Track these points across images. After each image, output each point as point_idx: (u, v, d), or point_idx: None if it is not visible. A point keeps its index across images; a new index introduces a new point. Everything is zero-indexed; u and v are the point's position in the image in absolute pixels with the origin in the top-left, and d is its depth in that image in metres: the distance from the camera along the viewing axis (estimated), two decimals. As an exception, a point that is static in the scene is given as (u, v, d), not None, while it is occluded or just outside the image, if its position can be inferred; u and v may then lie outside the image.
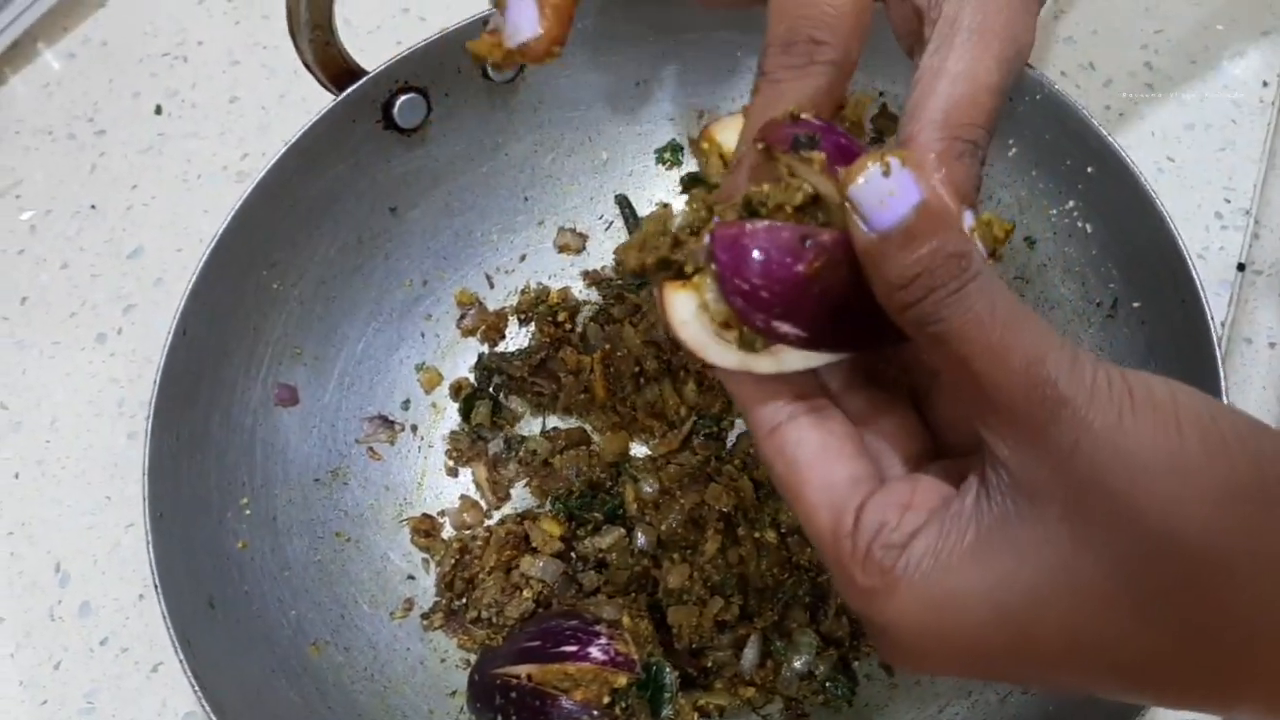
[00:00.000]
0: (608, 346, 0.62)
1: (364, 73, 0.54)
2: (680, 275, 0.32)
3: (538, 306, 0.65)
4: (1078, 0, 0.73)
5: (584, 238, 0.66)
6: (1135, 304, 0.53)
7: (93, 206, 0.72)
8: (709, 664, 0.55)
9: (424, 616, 0.58)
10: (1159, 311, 0.52)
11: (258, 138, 0.74)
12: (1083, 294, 0.55)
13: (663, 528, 0.57)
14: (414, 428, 0.63)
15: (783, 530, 0.56)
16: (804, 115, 0.32)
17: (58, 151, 0.75)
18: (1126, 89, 0.70)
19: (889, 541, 0.29)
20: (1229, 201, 0.66)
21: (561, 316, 0.64)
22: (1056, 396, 0.27)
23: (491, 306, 0.65)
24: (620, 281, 0.65)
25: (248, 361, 0.57)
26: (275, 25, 0.72)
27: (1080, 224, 0.55)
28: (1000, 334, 0.27)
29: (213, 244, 0.52)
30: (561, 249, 0.66)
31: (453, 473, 0.63)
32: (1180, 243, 0.49)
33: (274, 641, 0.53)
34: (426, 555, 0.60)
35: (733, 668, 0.55)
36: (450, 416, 0.64)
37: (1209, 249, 0.64)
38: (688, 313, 0.31)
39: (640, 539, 0.57)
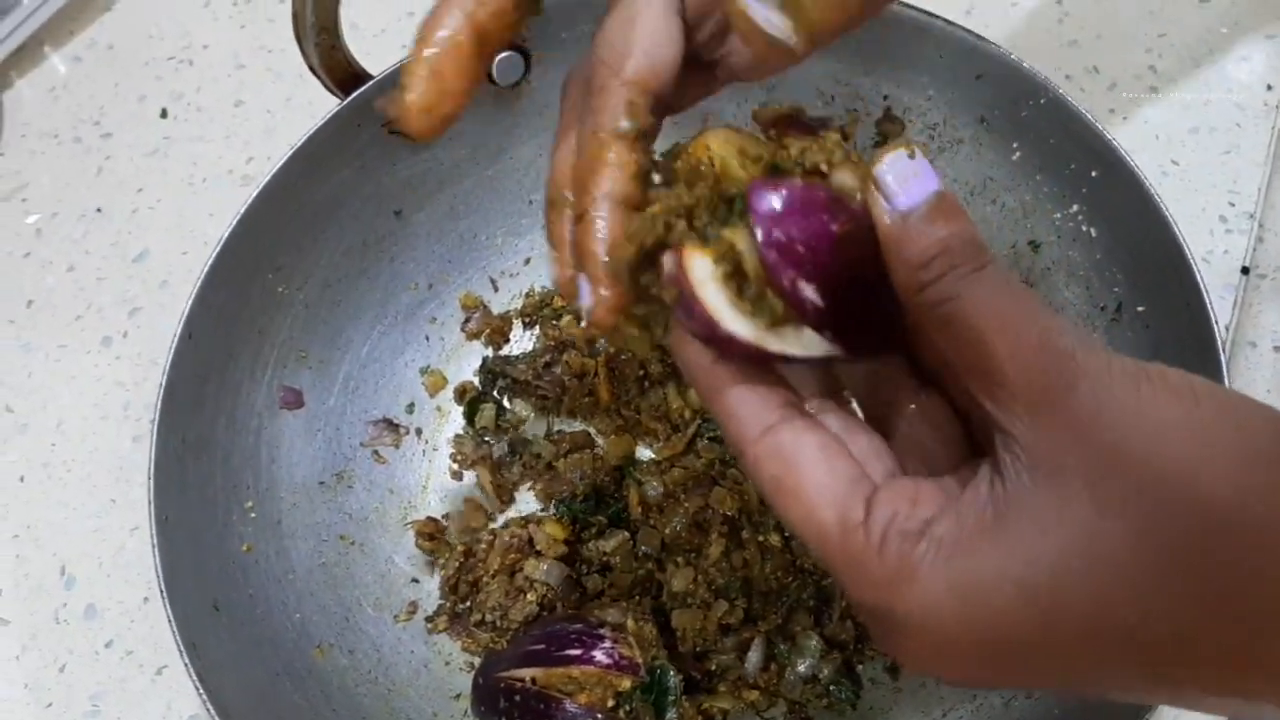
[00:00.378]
0: (612, 350, 0.62)
1: (369, 77, 0.55)
2: (702, 239, 0.32)
3: (542, 310, 0.65)
4: (1082, 4, 0.73)
5: (588, 241, 0.66)
6: (1140, 308, 0.53)
7: (98, 210, 0.72)
8: (713, 667, 0.56)
9: (428, 620, 0.58)
10: (1163, 315, 0.52)
11: (263, 141, 0.74)
12: (1087, 298, 0.55)
13: (667, 531, 0.57)
14: (419, 431, 0.63)
15: (787, 534, 0.56)
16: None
17: (64, 155, 0.75)
18: (1130, 92, 0.70)
19: (905, 529, 0.29)
20: (1233, 205, 0.66)
21: (565, 320, 0.64)
22: (1075, 368, 0.27)
23: (496, 310, 0.65)
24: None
25: (253, 365, 0.57)
26: (281, 29, 0.72)
27: (1085, 228, 0.55)
28: (1015, 310, 0.28)
29: (218, 247, 0.53)
30: (566, 252, 0.66)
31: (457, 476, 0.63)
32: (1184, 246, 0.49)
33: (278, 644, 0.53)
34: (431, 558, 0.60)
35: (737, 671, 0.55)
36: (455, 420, 0.64)
37: (1213, 252, 0.64)
38: (705, 273, 0.31)
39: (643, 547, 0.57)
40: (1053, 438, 0.27)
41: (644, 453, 0.62)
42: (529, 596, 0.57)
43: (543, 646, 0.52)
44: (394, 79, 0.55)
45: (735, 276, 0.31)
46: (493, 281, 0.66)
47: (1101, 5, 0.73)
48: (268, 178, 0.53)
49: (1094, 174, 0.53)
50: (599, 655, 0.51)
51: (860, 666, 0.56)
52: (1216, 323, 0.48)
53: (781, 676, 0.55)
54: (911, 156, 0.29)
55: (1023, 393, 0.28)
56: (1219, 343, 0.47)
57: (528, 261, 0.66)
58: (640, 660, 0.51)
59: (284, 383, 0.58)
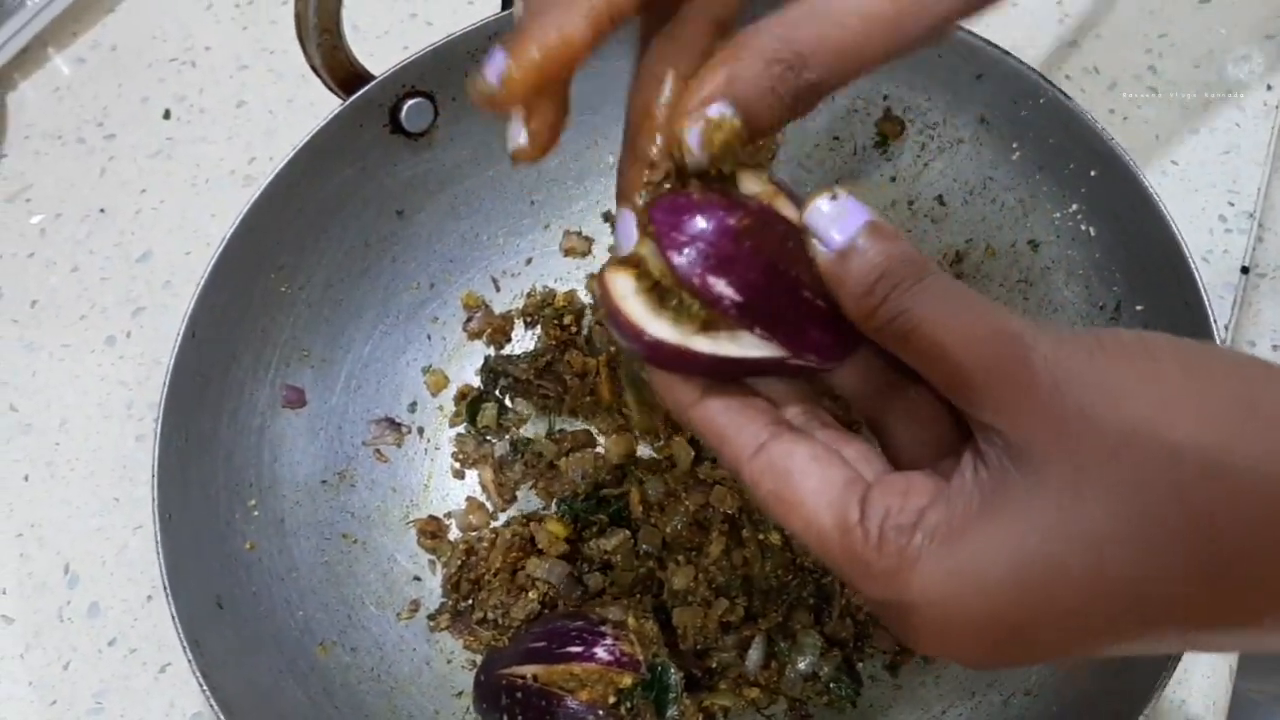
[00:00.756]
0: (613, 349, 0.62)
1: (371, 77, 0.55)
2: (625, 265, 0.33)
3: (544, 309, 0.65)
4: (1082, 4, 0.73)
5: (590, 241, 0.67)
6: (1139, 307, 0.53)
7: (102, 210, 0.73)
8: (714, 665, 0.56)
9: (430, 618, 0.59)
10: (1162, 314, 0.52)
11: (265, 142, 0.74)
12: (1086, 297, 0.55)
13: (667, 530, 0.57)
14: (420, 430, 0.63)
15: (786, 532, 0.57)
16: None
17: (67, 156, 0.75)
18: (1130, 92, 0.70)
19: (900, 523, 0.30)
20: (1233, 205, 0.66)
21: (567, 319, 0.64)
22: (1027, 351, 0.28)
23: (498, 309, 0.66)
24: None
25: (255, 364, 0.57)
26: (283, 30, 0.72)
27: (1084, 227, 0.55)
28: (962, 311, 0.29)
29: (221, 247, 0.53)
30: (567, 252, 0.66)
31: (459, 475, 0.63)
32: (1183, 245, 0.49)
33: (281, 642, 0.53)
34: (433, 557, 0.60)
35: (737, 669, 0.55)
36: (457, 419, 0.64)
37: (1213, 252, 0.65)
38: (626, 288, 0.32)
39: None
40: (1020, 421, 0.28)
41: (645, 451, 0.62)
42: (530, 594, 0.57)
43: (544, 644, 0.52)
44: (397, 76, 0.55)
45: (656, 289, 0.32)
46: (494, 281, 0.66)
47: (1101, 5, 0.73)
48: (270, 178, 0.54)
49: (1093, 173, 0.53)
50: (600, 652, 0.51)
51: (860, 664, 0.56)
52: (1215, 322, 0.48)
53: (782, 674, 0.55)
54: (834, 198, 0.30)
55: (984, 385, 0.29)
56: (1218, 342, 0.48)
57: (529, 261, 0.66)
58: (641, 657, 0.52)
59: (286, 382, 0.59)
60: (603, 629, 0.52)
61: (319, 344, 0.60)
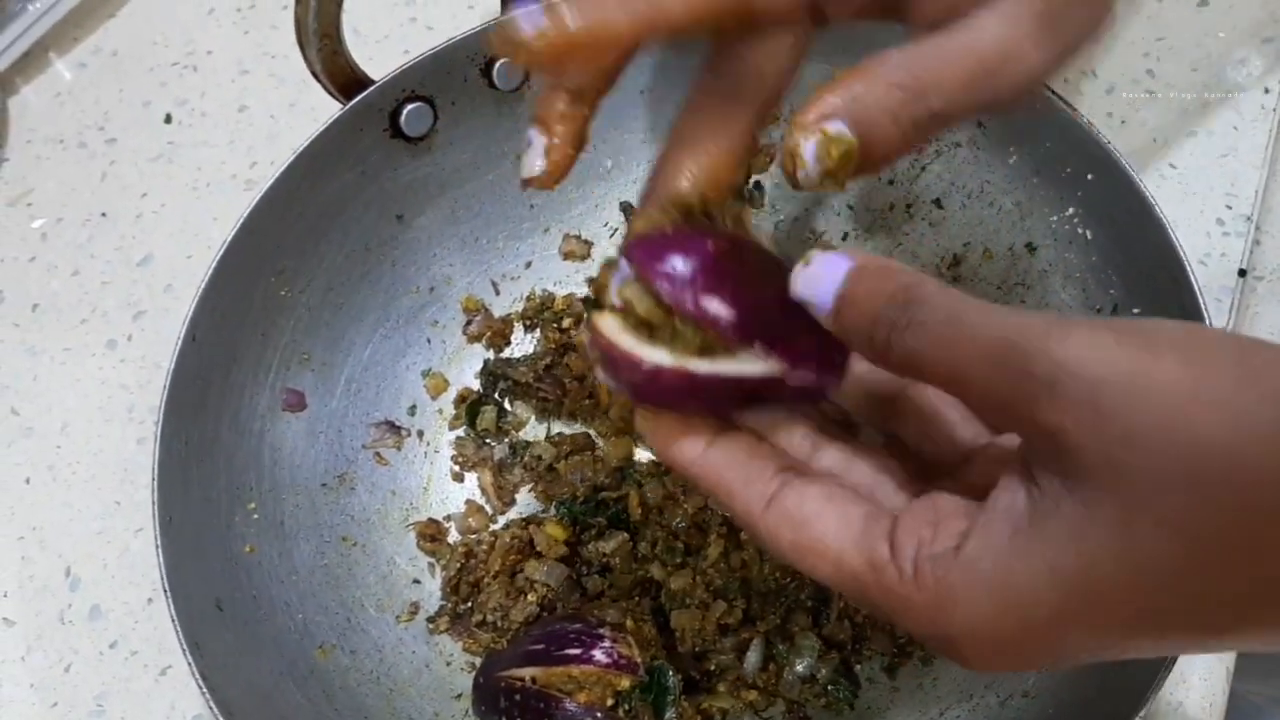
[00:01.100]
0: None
1: (371, 82, 0.55)
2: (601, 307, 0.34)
3: (543, 313, 0.65)
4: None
5: (589, 245, 0.67)
6: (1136, 310, 0.53)
7: (103, 214, 0.73)
8: (712, 667, 0.56)
9: (430, 620, 0.59)
10: (1159, 317, 0.52)
11: (266, 146, 0.74)
12: (1083, 300, 0.55)
13: (666, 532, 0.57)
14: (420, 433, 0.63)
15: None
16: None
17: (69, 160, 0.75)
18: (1128, 95, 0.70)
19: (935, 554, 0.29)
20: (1230, 208, 0.66)
21: (567, 323, 0.65)
22: (1045, 368, 0.26)
23: (497, 313, 0.66)
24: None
25: (256, 367, 0.57)
26: (284, 35, 0.72)
27: (1081, 230, 0.55)
28: (965, 336, 0.28)
29: (222, 251, 0.53)
30: (567, 256, 0.67)
31: (458, 478, 0.63)
32: (1180, 249, 0.49)
33: (281, 645, 0.54)
34: (432, 559, 0.61)
35: (735, 671, 0.56)
36: (456, 422, 0.64)
37: (1210, 255, 0.65)
38: (615, 327, 0.33)
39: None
40: (1058, 445, 0.27)
41: (644, 454, 0.62)
42: (529, 597, 0.57)
43: (543, 646, 0.52)
44: (397, 81, 0.56)
45: (645, 327, 0.32)
46: (494, 285, 0.66)
47: (1099, 9, 0.73)
48: (270, 182, 0.54)
49: (1090, 177, 0.53)
50: (598, 655, 0.51)
51: (858, 666, 0.56)
52: (1212, 325, 0.48)
53: (780, 676, 0.55)
54: (808, 264, 0.31)
55: (1013, 405, 0.27)
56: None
57: (528, 265, 0.66)
58: (639, 660, 0.52)
59: (287, 385, 0.59)
60: (601, 631, 0.53)
61: (319, 347, 0.60)
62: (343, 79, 0.54)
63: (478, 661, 0.57)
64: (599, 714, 0.50)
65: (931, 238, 0.61)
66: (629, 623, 0.53)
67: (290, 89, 0.76)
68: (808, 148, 0.31)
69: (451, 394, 0.65)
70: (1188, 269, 0.49)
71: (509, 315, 0.66)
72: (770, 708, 0.56)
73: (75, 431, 0.66)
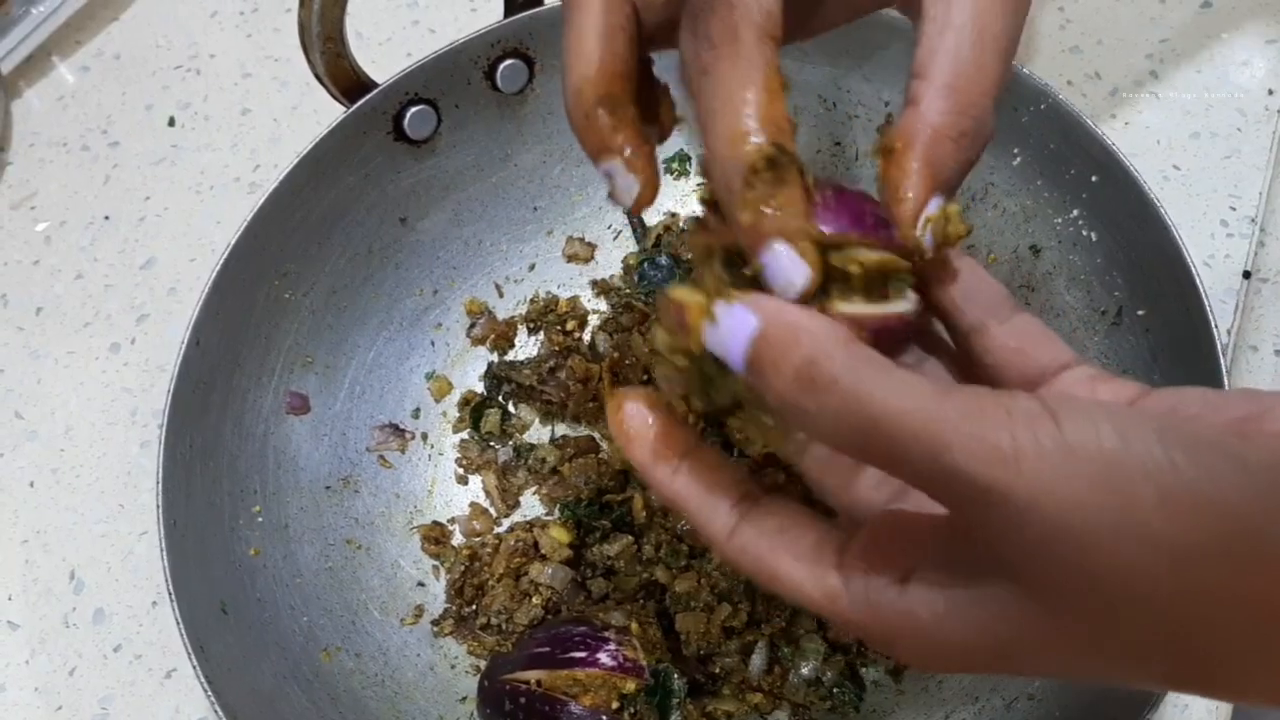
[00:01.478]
0: (616, 355, 0.62)
1: (374, 85, 0.55)
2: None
3: (547, 315, 0.65)
4: (1083, 10, 0.73)
5: (593, 247, 0.67)
6: (1140, 312, 0.53)
7: (106, 217, 0.73)
8: (717, 670, 0.56)
9: (434, 623, 0.59)
10: (1164, 319, 0.52)
11: (269, 149, 0.74)
12: (1088, 302, 0.55)
13: (668, 537, 0.57)
14: (424, 436, 0.63)
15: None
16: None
17: (72, 163, 0.75)
18: (1132, 97, 0.70)
19: (881, 587, 0.29)
20: (1234, 209, 0.66)
21: (570, 325, 0.64)
22: (951, 485, 0.26)
23: (501, 315, 0.66)
24: (628, 291, 0.65)
25: (259, 370, 0.57)
26: (287, 38, 0.72)
27: (1085, 232, 0.55)
28: (878, 426, 0.26)
29: (225, 254, 0.53)
30: (570, 258, 0.67)
31: (463, 480, 0.63)
32: (1184, 250, 0.49)
33: (286, 648, 0.54)
34: (437, 562, 0.61)
35: (740, 674, 0.55)
36: (460, 425, 0.64)
37: (1215, 256, 0.65)
38: (849, 306, 0.31)
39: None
40: (993, 548, 0.26)
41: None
42: (534, 600, 0.57)
43: (548, 649, 0.52)
44: (400, 84, 0.56)
45: (856, 291, 0.32)
46: (497, 287, 0.66)
47: (1103, 11, 0.73)
48: (274, 185, 0.54)
49: (1094, 179, 0.53)
50: (604, 658, 0.51)
51: (863, 669, 0.56)
52: (1216, 326, 0.48)
53: (785, 679, 0.55)
54: (713, 321, 0.29)
55: (936, 497, 0.27)
56: (1219, 347, 0.48)
57: (532, 267, 0.66)
58: (645, 663, 0.52)
59: (290, 388, 0.59)
60: (606, 634, 0.52)
61: (323, 350, 0.60)
62: (346, 82, 0.54)
63: (482, 664, 0.57)
64: (604, 717, 0.50)
65: (935, 240, 0.61)
66: (634, 626, 0.53)
67: (293, 92, 0.76)
68: (927, 239, 0.32)
69: (455, 397, 0.65)
70: (1192, 271, 0.49)
71: (513, 318, 0.66)
72: (775, 711, 0.56)
73: (79, 435, 0.66)
